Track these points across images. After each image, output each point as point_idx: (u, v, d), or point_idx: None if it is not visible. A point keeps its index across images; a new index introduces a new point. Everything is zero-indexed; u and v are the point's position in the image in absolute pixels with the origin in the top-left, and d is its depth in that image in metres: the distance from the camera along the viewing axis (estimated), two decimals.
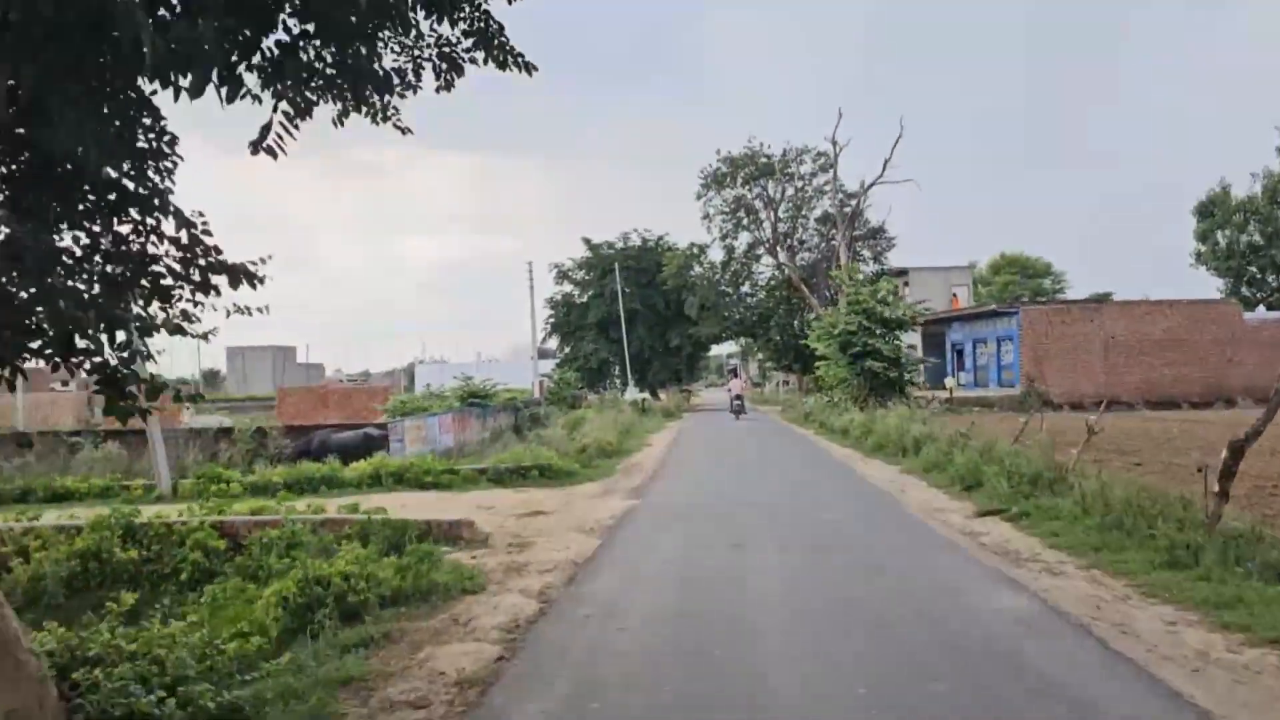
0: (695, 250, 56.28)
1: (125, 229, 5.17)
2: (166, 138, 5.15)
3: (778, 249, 55.28)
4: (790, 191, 54.77)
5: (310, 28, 5.05)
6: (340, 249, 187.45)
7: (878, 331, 29.65)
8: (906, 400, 30.28)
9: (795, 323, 54.26)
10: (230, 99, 4.72)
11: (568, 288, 62.95)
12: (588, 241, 61.71)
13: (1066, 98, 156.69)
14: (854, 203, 47.08)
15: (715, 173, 54.45)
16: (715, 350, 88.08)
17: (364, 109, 5.69)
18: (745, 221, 55.31)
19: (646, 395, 61.54)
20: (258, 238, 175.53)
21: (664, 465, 20.84)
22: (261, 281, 5.36)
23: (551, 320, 62.79)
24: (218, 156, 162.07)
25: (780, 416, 44.45)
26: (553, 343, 64.76)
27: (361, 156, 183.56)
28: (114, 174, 4.99)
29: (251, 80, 4.94)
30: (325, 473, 17.20)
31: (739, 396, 43.15)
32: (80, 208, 5.01)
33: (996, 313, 48.74)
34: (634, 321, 60.49)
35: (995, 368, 49.96)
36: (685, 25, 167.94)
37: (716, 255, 56.31)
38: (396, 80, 5.69)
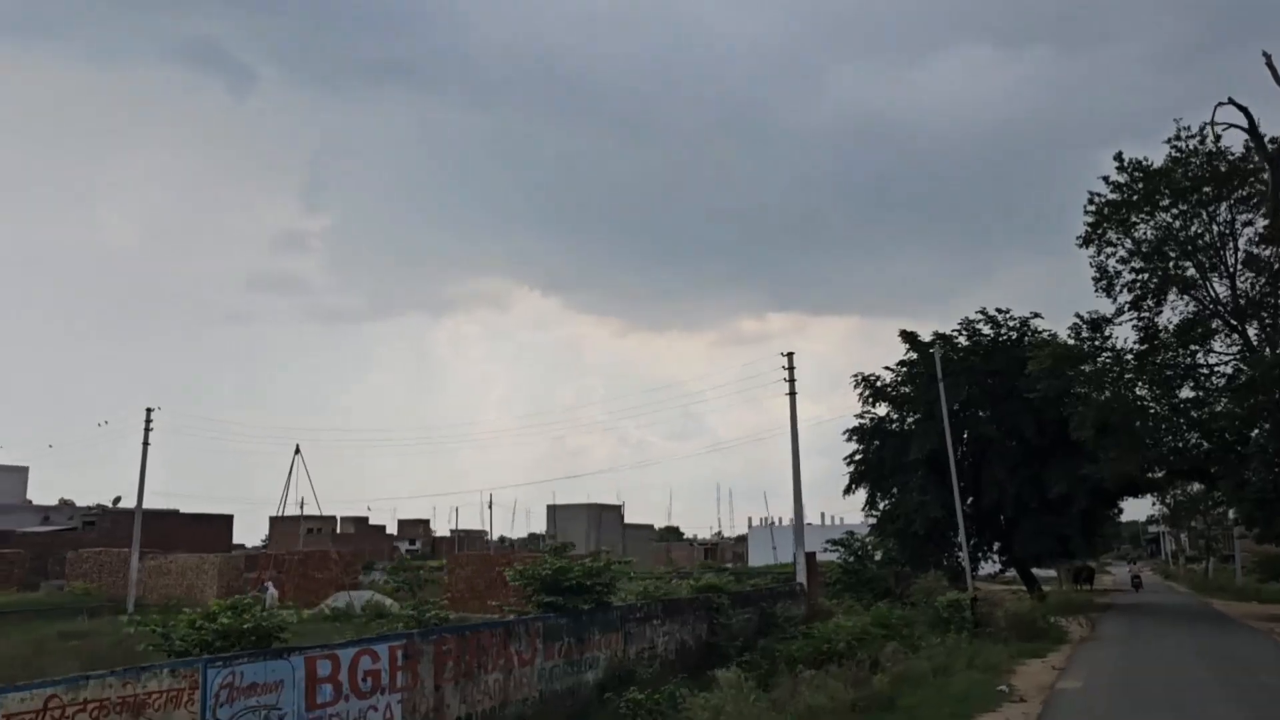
0: (1082, 333, 32.96)
1: None
2: None
3: (1249, 319, 30.61)
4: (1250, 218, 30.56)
5: None
6: (723, 413, 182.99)
7: None
8: None
9: None
10: None
11: (883, 410, 41.65)
12: (910, 338, 40.40)
13: None
14: None
15: (1122, 194, 31.55)
16: (1130, 509, 60.38)
17: None
18: (1179, 272, 31.43)
19: (977, 587, 37.86)
20: (651, 399, 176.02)
21: None
22: None
23: (858, 458, 41.49)
24: (627, 332, 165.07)
25: None
26: (862, 495, 43.00)
27: (750, 327, 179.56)
28: None
29: None
30: None
31: (1137, 575, 54.39)
32: None
33: None
34: (985, 458, 37.71)
35: None
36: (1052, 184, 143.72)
37: (1124, 338, 32.71)
38: None
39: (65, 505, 65.51)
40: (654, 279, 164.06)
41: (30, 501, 67.25)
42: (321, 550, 40.99)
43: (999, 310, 38.59)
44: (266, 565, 41.39)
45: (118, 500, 63.66)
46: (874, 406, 41.21)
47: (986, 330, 38.95)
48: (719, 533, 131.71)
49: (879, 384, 41.03)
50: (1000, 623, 20.80)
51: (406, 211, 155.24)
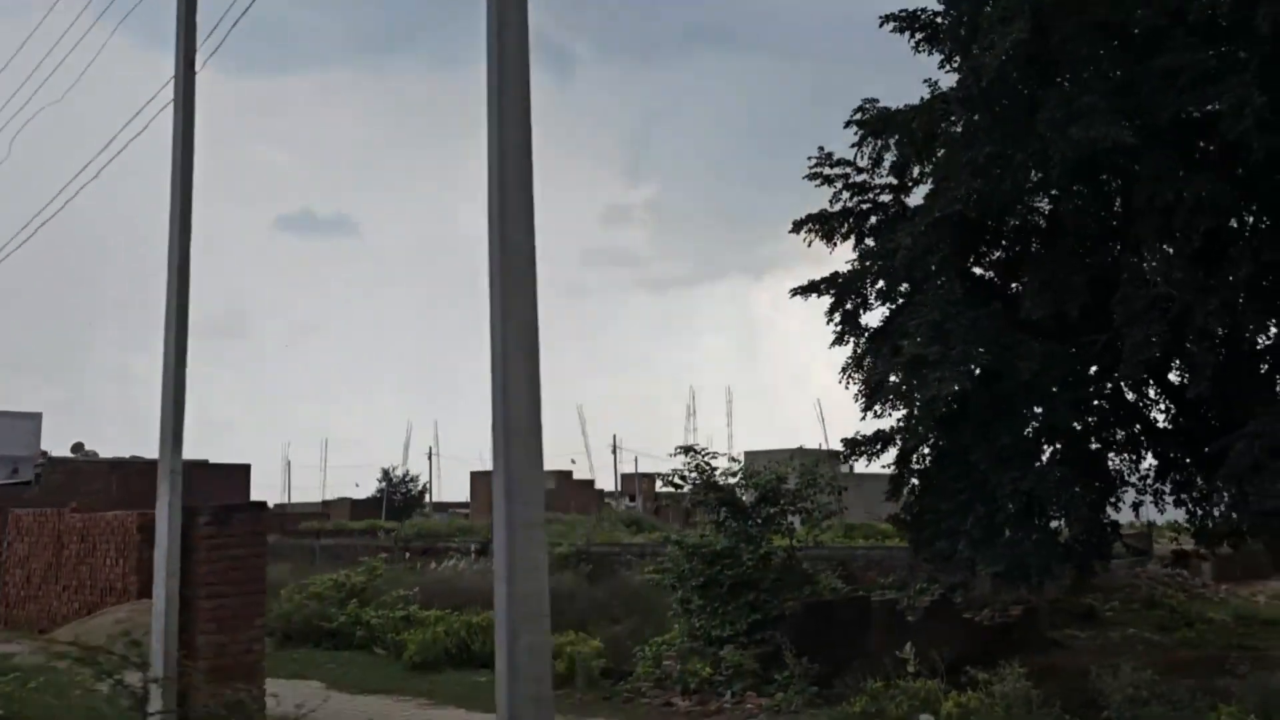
0: None
1: None
2: None
3: None
4: None
5: None
6: None
7: None
8: None
9: None
10: None
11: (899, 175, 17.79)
12: None
13: None
14: None
15: None
16: None
17: None
18: None
19: None
20: None
21: None
22: None
23: (848, 270, 18.02)
24: None
25: None
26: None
27: None
28: None
29: None
30: None
31: None
32: None
33: None
34: (1112, 227, 13.62)
35: None
36: None
37: None
38: None
39: (83, 452, 55.60)
40: None
41: (44, 452, 56.02)
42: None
43: None
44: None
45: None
46: (879, 167, 17.70)
47: None
48: None
49: (893, 115, 17.30)
50: None
51: (724, 175, 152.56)
